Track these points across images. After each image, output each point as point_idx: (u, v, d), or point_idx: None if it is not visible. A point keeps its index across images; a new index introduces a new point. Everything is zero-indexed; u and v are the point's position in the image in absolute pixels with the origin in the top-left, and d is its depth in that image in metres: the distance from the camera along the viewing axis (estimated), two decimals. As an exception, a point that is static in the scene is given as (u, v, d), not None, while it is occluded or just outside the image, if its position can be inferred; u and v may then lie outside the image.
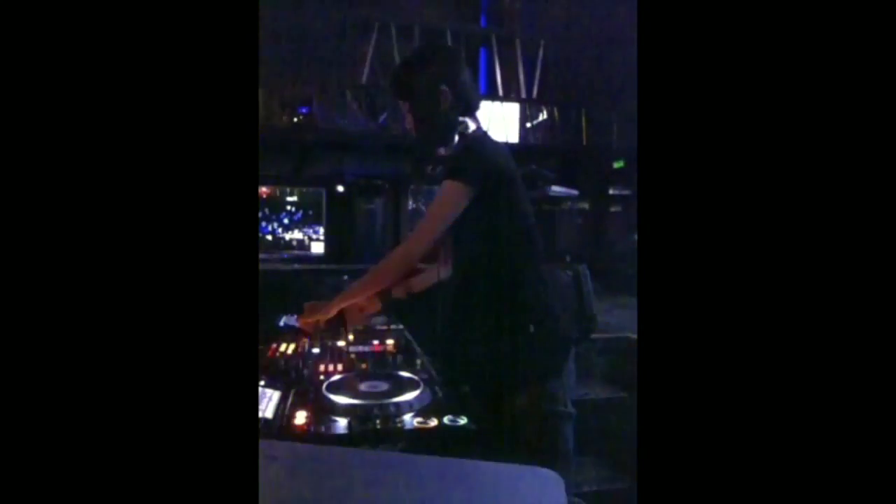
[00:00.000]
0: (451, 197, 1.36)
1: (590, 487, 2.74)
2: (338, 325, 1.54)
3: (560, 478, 0.70)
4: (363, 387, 1.19)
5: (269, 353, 1.51)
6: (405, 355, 1.47)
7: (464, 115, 1.45)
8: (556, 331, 1.41)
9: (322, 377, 1.29)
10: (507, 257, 1.40)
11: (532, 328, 1.37)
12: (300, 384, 1.24)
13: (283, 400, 1.15)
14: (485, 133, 1.50)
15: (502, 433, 1.38)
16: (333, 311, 1.47)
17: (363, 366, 1.41)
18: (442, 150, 1.45)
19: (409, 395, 1.13)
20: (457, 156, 1.42)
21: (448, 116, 1.43)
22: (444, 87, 1.41)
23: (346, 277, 2.40)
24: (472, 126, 1.46)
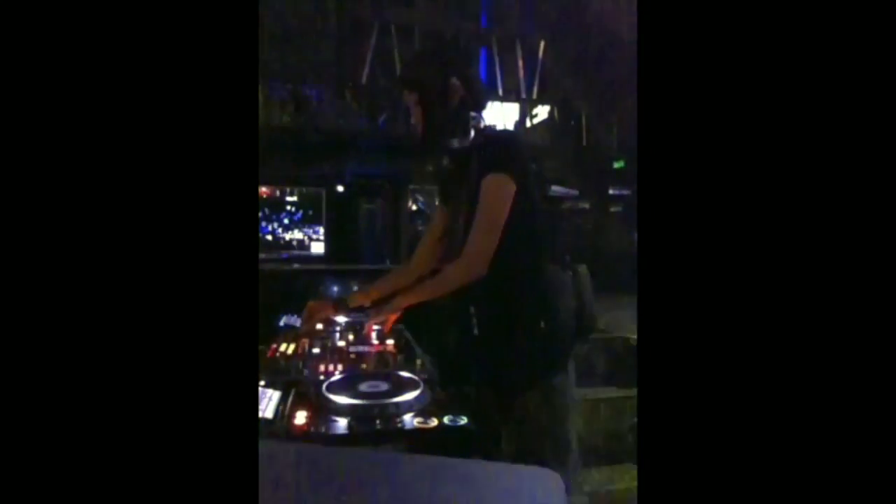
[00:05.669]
0: (501, 192, 1.34)
1: (590, 487, 2.74)
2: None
3: (560, 478, 0.70)
4: (363, 387, 1.19)
5: (269, 353, 1.51)
6: (405, 355, 1.47)
7: (473, 110, 1.45)
8: (563, 326, 1.42)
9: (322, 377, 1.29)
10: (523, 253, 1.40)
11: (543, 324, 1.38)
12: (300, 384, 1.24)
13: (283, 400, 1.15)
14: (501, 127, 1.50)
15: (511, 429, 1.39)
16: (396, 313, 1.48)
17: (363, 366, 1.41)
18: (455, 144, 1.44)
19: (409, 395, 1.12)
20: (494, 148, 1.39)
21: (458, 110, 1.43)
22: (454, 81, 1.41)
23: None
24: (483, 121, 1.46)
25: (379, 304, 1.57)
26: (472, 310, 1.46)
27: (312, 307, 1.66)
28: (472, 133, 1.44)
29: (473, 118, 1.45)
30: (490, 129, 1.46)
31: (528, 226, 1.40)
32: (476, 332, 1.45)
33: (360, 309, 1.67)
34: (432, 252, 1.65)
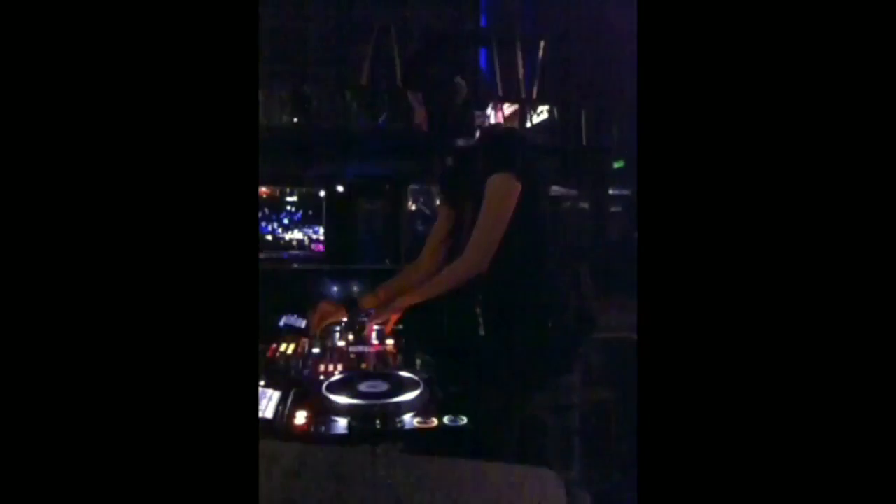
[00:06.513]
0: (507, 191, 1.32)
1: (590, 487, 2.74)
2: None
3: (560, 478, 0.71)
4: (363, 387, 1.19)
5: (269, 353, 1.51)
6: (405, 355, 1.47)
7: (478, 108, 1.45)
8: (568, 326, 1.42)
9: (322, 377, 1.29)
10: (529, 251, 1.39)
11: (550, 324, 1.38)
12: (300, 384, 1.24)
13: (283, 400, 1.15)
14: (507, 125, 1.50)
15: (514, 429, 1.39)
16: (398, 314, 1.46)
17: (363, 366, 1.41)
18: (460, 143, 1.44)
19: (409, 395, 1.12)
20: (499, 147, 1.38)
21: (463, 109, 1.42)
22: (458, 79, 1.41)
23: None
24: (487, 120, 1.46)
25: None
26: (477, 310, 1.46)
27: (325, 309, 1.64)
28: (477, 131, 1.44)
29: (478, 116, 1.44)
30: (494, 128, 1.46)
31: (532, 224, 1.39)
32: (482, 332, 1.45)
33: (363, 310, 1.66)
34: (439, 253, 1.64)
